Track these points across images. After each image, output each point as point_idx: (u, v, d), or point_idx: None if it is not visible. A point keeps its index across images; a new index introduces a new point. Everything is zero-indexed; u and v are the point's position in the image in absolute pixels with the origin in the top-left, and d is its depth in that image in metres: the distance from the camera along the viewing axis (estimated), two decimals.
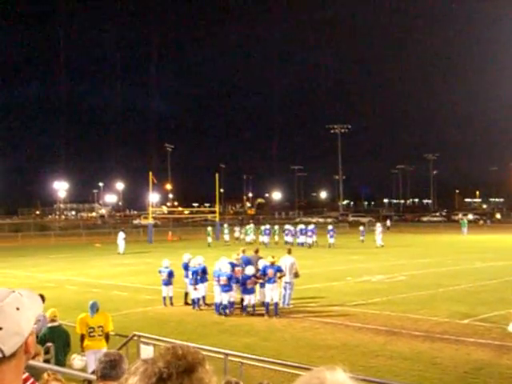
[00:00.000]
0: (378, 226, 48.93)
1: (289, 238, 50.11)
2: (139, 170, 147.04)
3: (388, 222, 75.54)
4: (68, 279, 27.58)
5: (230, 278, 18.64)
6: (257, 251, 21.72)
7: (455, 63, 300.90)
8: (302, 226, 51.57)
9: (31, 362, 6.44)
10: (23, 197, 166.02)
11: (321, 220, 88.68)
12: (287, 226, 53.14)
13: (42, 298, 12.01)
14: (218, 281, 18.80)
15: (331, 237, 47.67)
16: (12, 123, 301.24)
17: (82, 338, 11.78)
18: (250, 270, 18.80)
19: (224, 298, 18.63)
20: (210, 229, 52.61)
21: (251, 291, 18.62)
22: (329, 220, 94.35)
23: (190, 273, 20.03)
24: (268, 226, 53.22)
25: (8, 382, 2.04)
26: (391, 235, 53.08)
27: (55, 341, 10.80)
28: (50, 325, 11.08)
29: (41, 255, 41.69)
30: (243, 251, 21.95)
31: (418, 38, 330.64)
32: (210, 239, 50.55)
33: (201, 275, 19.71)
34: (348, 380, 1.15)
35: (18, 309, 2.08)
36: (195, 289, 19.58)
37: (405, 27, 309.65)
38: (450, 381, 11.67)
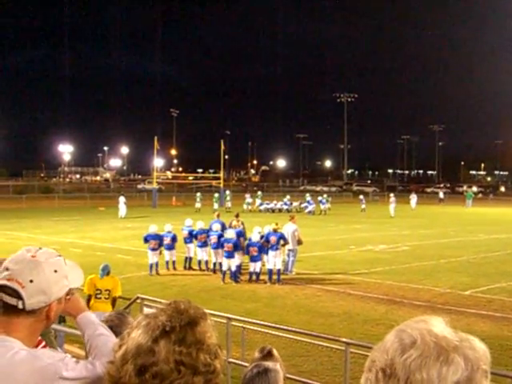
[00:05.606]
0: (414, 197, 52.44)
1: (262, 207, 52.95)
2: (144, 135, 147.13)
3: (441, 194, 70.07)
4: (72, 242, 27.67)
5: (235, 245, 18.68)
6: (237, 215, 22.73)
7: (464, 35, 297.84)
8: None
9: None
10: (28, 159, 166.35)
11: (325, 189, 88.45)
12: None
13: None
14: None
15: (323, 204, 50.24)
16: (18, 86, 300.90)
17: (89, 298, 11.83)
18: (255, 237, 18.81)
19: (231, 264, 18.73)
20: (216, 195, 52.82)
21: (256, 258, 18.66)
22: (333, 189, 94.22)
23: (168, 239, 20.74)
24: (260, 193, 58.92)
25: (21, 336, 2.05)
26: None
27: None
28: None
29: (45, 217, 41.78)
30: (217, 215, 22.95)
31: (428, 8, 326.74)
32: (216, 205, 49.91)
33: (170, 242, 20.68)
34: (449, 329, 1.13)
35: (55, 271, 2.12)
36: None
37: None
38: None
